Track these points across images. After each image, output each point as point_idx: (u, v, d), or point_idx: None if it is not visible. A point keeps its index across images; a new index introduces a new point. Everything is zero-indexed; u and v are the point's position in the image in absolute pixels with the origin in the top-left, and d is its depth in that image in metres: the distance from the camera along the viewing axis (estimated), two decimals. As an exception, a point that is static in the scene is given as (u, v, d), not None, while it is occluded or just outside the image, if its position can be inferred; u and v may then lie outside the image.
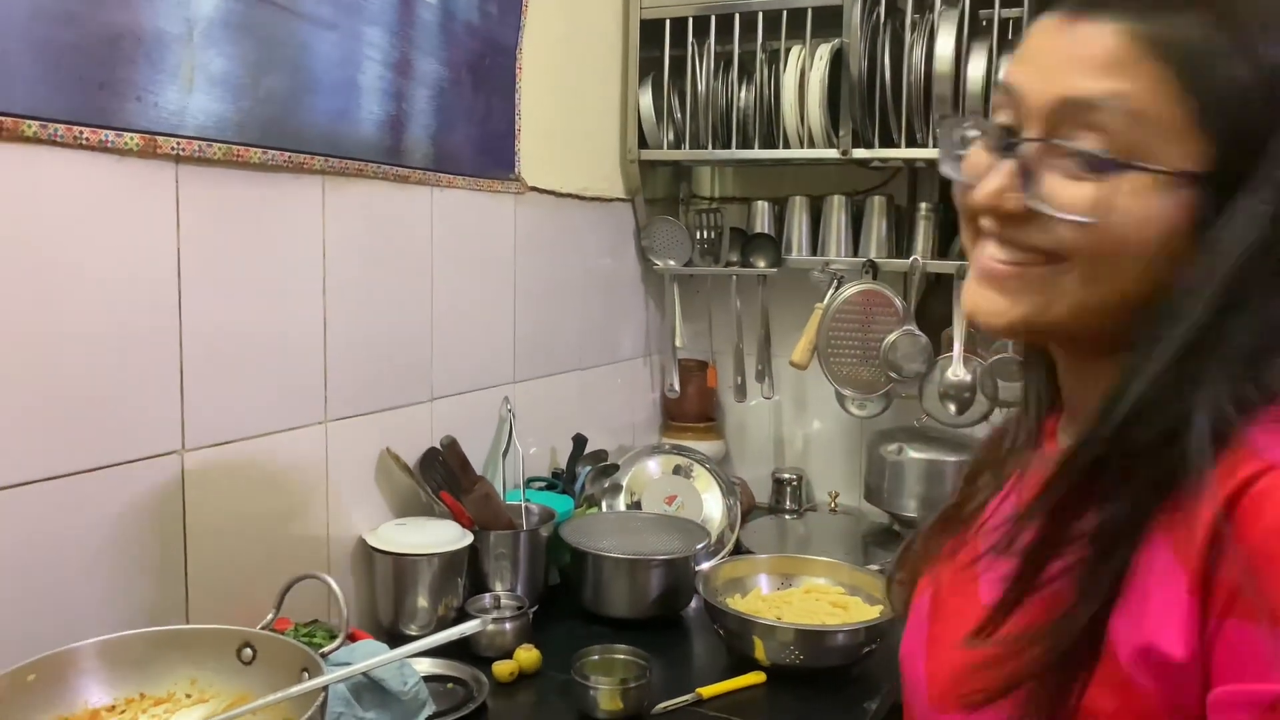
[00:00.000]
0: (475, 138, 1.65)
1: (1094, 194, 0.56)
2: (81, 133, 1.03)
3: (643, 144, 2.10)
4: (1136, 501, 0.56)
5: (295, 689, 0.88)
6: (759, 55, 1.95)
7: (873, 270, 1.96)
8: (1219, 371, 0.55)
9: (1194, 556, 0.53)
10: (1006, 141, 0.60)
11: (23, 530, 1.02)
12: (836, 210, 2.05)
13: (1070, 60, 0.57)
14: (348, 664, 1.08)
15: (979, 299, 0.63)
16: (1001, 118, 0.62)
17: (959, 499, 0.76)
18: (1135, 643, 0.54)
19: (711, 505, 1.96)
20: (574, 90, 1.95)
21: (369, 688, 1.12)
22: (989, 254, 0.62)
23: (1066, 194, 0.57)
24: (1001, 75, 0.64)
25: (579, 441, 1.92)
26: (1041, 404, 0.72)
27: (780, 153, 1.97)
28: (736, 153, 2.01)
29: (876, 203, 2.02)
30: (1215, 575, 0.52)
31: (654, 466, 2.01)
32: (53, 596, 1.05)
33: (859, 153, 1.88)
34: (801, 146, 1.94)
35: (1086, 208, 0.56)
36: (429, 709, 1.16)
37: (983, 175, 0.61)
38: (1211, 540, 0.52)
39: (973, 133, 0.63)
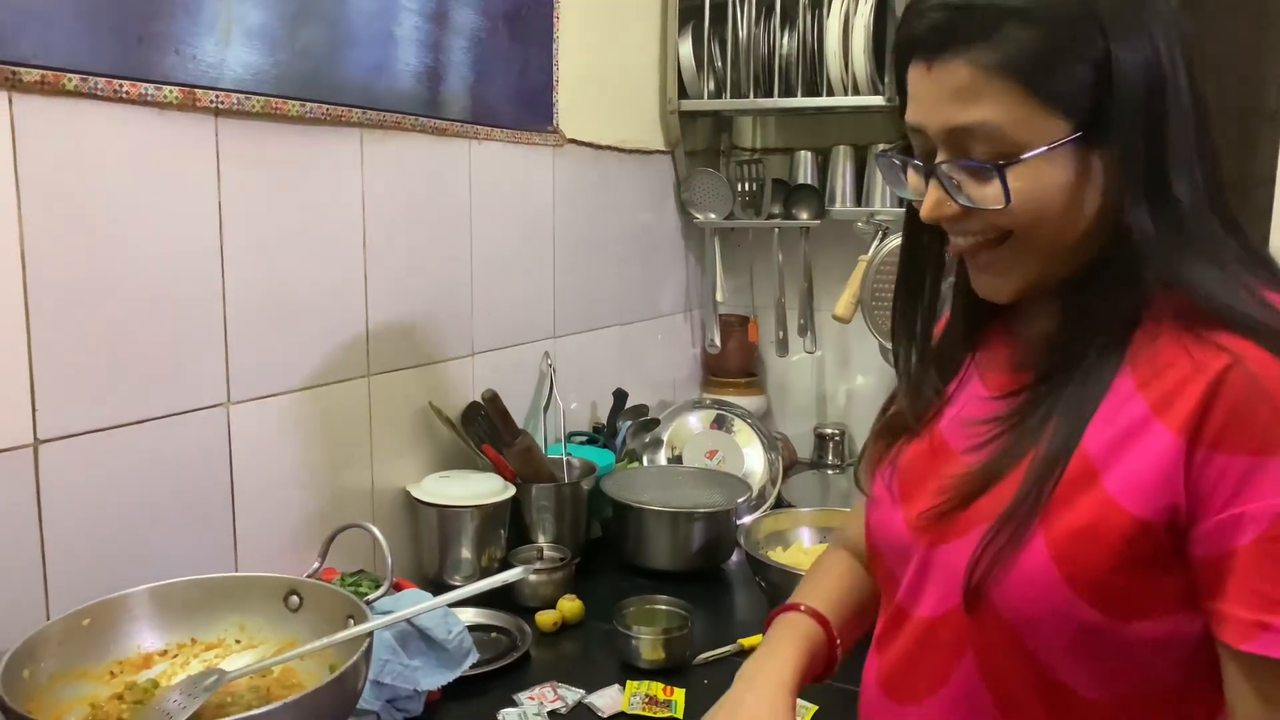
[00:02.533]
0: (513, 89, 1.63)
1: (1000, 186, 0.71)
2: (122, 86, 1.03)
3: (683, 94, 2.07)
4: (1108, 343, 0.73)
5: (341, 635, 0.90)
6: (801, 1, 1.90)
7: (918, 221, 1.92)
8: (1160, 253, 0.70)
9: (1183, 412, 0.67)
10: (926, 167, 0.75)
11: (76, 480, 1.04)
12: (881, 160, 2.01)
13: (940, 97, 0.72)
14: (392, 612, 1.10)
15: (981, 285, 0.79)
16: (918, 143, 0.77)
17: (914, 406, 0.87)
18: (1103, 449, 0.70)
19: (753, 460, 1.95)
20: (612, 40, 1.92)
21: (414, 636, 1.13)
22: (959, 245, 0.78)
23: (981, 192, 0.72)
24: (907, 118, 0.77)
25: (619, 396, 1.92)
26: (970, 317, 0.86)
27: (824, 100, 1.93)
28: (779, 101, 1.97)
29: (923, 151, 1.97)
30: (1205, 421, 0.66)
31: (695, 421, 2.00)
32: (106, 543, 1.07)
33: (905, 100, 1.83)
34: (846, 94, 1.90)
35: (997, 197, 0.71)
36: (473, 657, 1.17)
37: (922, 193, 0.77)
38: (1203, 399, 0.66)
39: (898, 162, 0.79)
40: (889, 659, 0.83)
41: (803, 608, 0.91)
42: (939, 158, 0.74)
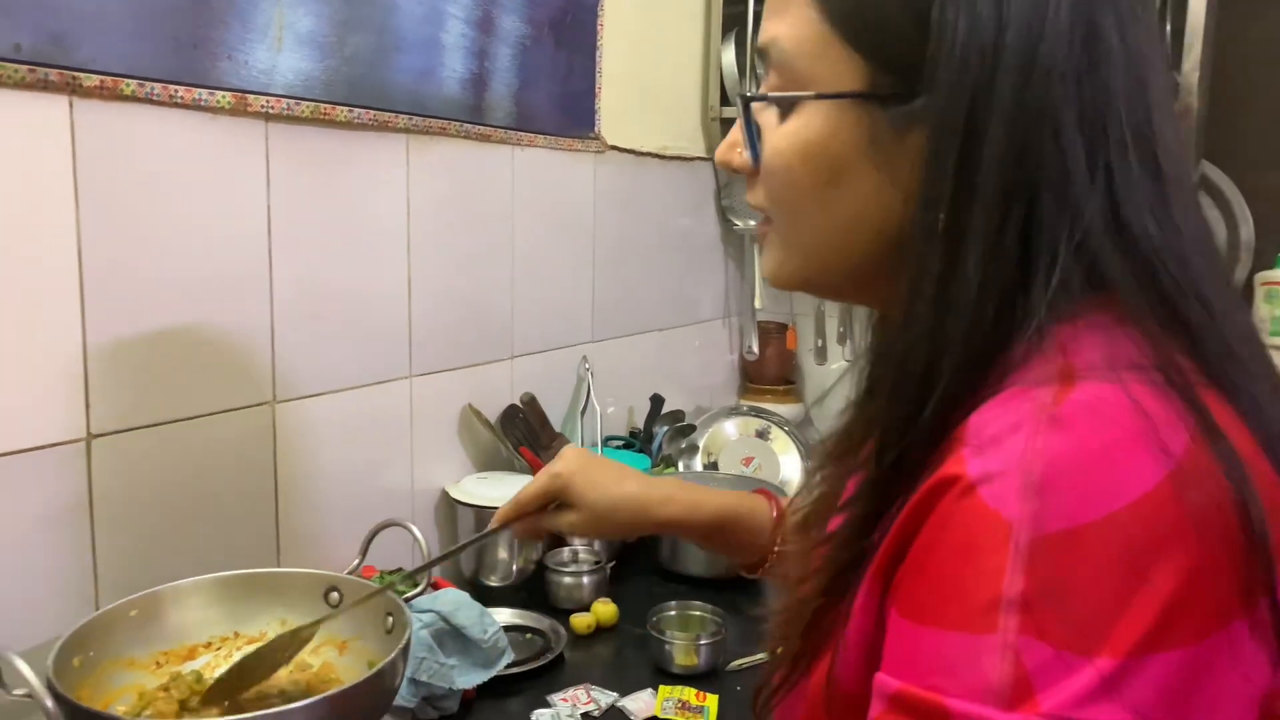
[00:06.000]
0: (556, 96, 1.65)
1: (783, 134, 0.56)
2: (176, 91, 1.06)
3: (724, 101, 2.07)
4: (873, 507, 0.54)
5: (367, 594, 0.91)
6: (845, 8, 1.90)
7: (960, 230, 1.90)
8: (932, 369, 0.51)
9: (889, 544, 0.51)
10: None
11: (126, 474, 1.06)
12: (923, 168, 1.99)
13: (767, 9, 0.58)
14: (431, 611, 1.12)
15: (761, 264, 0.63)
16: None
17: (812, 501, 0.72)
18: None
19: (789, 468, 1.95)
20: (655, 46, 1.93)
21: (451, 635, 1.15)
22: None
23: (769, 141, 0.57)
24: None
25: (656, 401, 1.93)
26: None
27: (866, 109, 1.92)
28: (820, 109, 1.97)
29: (966, 160, 1.96)
30: (899, 563, 0.50)
31: (731, 428, 2.00)
32: (153, 536, 1.10)
33: (948, 108, 1.82)
34: (888, 102, 1.89)
35: (758, 145, 0.57)
36: (508, 657, 1.18)
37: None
38: (901, 528, 0.50)
39: None
40: None
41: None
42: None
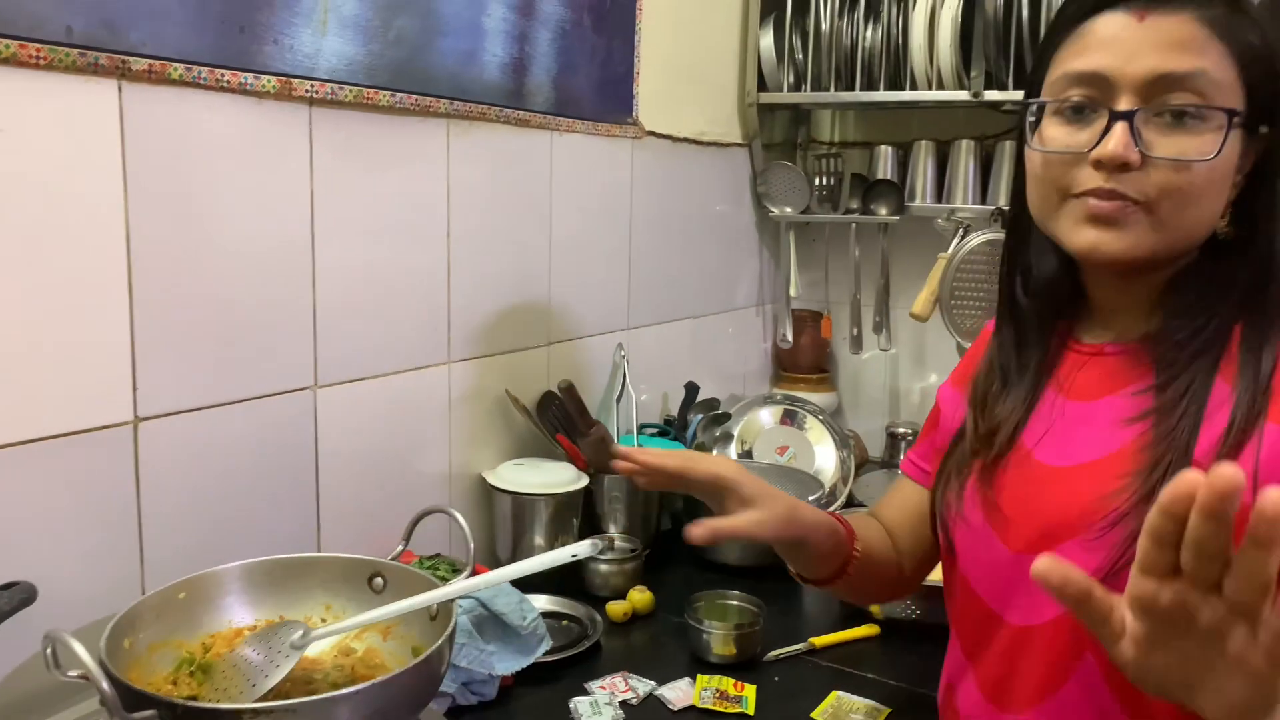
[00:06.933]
0: (595, 81, 1.64)
1: (1184, 144, 0.74)
2: (223, 75, 1.06)
3: (762, 86, 2.05)
4: (1208, 364, 0.75)
5: (430, 594, 0.91)
6: (887, -8, 1.87)
7: (1001, 219, 1.88)
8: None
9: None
10: (1120, 113, 0.75)
11: (172, 457, 1.07)
12: (965, 155, 1.97)
13: (1155, 45, 0.75)
14: (473, 598, 1.12)
15: (1093, 237, 0.78)
16: (1075, 96, 0.79)
17: (986, 426, 0.88)
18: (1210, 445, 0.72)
19: (824, 457, 1.94)
20: (694, 31, 1.92)
21: (490, 621, 1.15)
22: (1093, 204, 0.77)
23: (1180, 145, 0.75)
24: (1080, 66, 0.78)
25: (691, 389, 1.92)
26: (1046, 327, 0.88)
27: (907, 95, 1.90)
28: (860, 95, 1.95)
29: (1008, 148, 1.93)
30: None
31: (766, 416, 1.99)
32: (198, 519, 1.11)
33: (991, 94, 1.79)
34: (930, 88, 1.86)
35: (1202, 149, 0.74)
36: (546, 643, 1.19)
37: (1071, 145, 0.78)
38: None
39: (1073, 107, 0.79)
40: (988, 667, 0.84)
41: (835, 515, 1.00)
42: (1131, 105, 0.76)
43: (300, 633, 0.88)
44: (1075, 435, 0.81)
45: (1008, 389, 0.88)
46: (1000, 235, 1.85)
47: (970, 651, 0.87)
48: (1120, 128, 0.75)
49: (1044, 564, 0.53)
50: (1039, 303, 0.89)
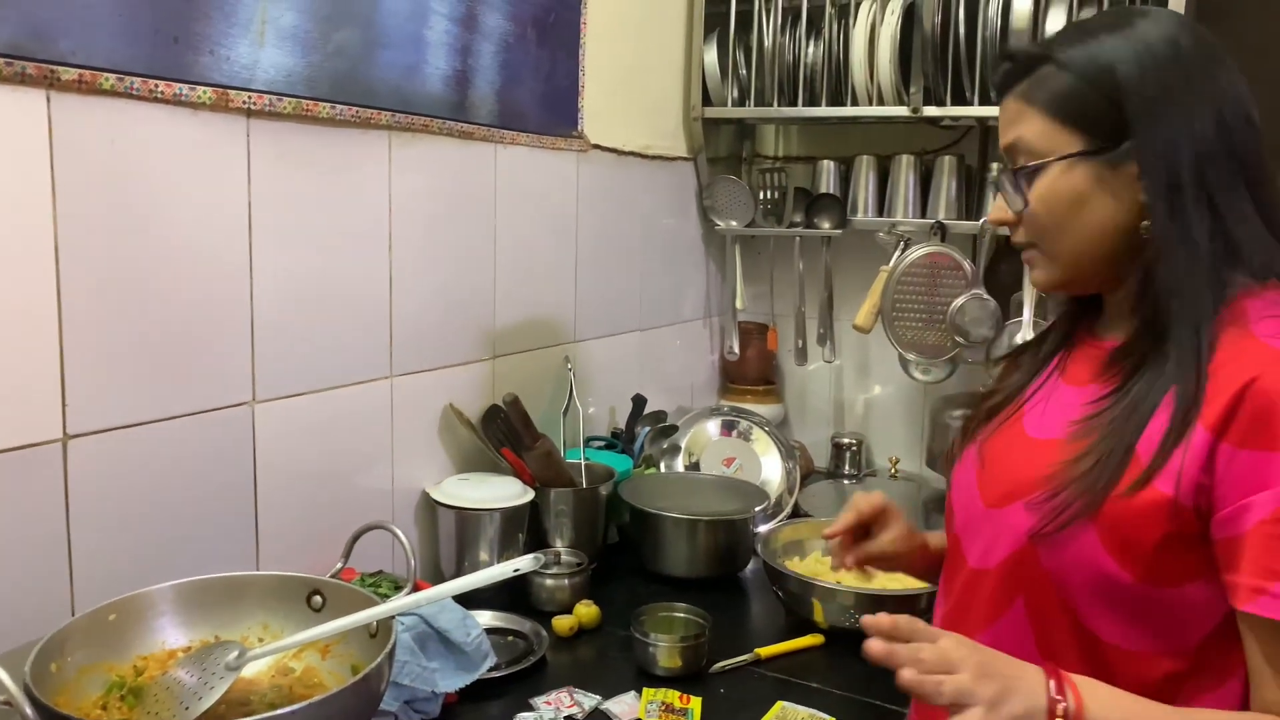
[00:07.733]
0: (539, 94, 1.64)
1: (1036, 193, 0.88)
2: (157, 86, 1.04)
3: (706, 101, 2.07)
4: (1160, 371, 0.83)
5: (371, 611, 0.90)
6: (828, 9, 1.90)
7: (941, 232, 1.91)
8: (1190, 280, 0.82)
9: (1216, 410, 0.77)
10: (993, 180, 0.95)
11: (103, 475, 1.05)
12: (905, 170, 2.00)
13: (1004, 123, 0.92)
14: (415, 615, 1.11)
15: (1031, 278, 0.96)
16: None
17: (998, 393, 1.02)
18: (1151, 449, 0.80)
19: (770, 468, 1.95)
20: (639, 46, 1.93)
21: (433, 638, 1.14)
22: (1020, 247, 0.94)
23: (1015, 197, 0.90)
24: None
25: (638, 402, 1.92)
26: (1072, 320, 1.00)
27: (848, 110, 1.92)
28: (803, 110, 1.97)
29: (946, 163, 1.97)
30: (1233, 420, 0.76)
31: (713, 428, 2.00)
32: (131, 538, 1.08)
33: (930, 110, 1.83)
34: (870, 104, 1.90)
35: (1019, 200, 0.90)
36: (491, 660, 1.18)
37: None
38: (1234, 399, 0.76)
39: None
40: (952, 600, 0.98)
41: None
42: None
43: (236, 653, 0.87)
44: (1055, 413, 0.92)
45: (1020, 368, 1.02)
46: (939, 249, 1.90)
47: (945, 589, 1.01)
48: (999, 196, 0.93)
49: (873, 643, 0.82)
50: (1064, 306, 1.03)
